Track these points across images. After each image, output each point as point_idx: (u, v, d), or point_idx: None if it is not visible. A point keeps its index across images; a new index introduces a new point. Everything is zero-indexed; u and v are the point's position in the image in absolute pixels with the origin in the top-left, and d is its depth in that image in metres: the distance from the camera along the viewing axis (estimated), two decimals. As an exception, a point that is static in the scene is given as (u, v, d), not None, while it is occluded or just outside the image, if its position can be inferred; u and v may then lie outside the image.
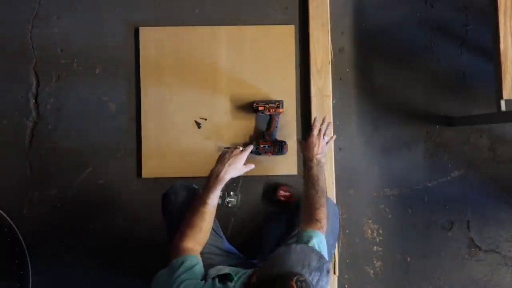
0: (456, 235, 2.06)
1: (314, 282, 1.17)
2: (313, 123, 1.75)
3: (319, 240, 1.48)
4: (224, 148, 1.81)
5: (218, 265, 1.46)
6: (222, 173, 1.53)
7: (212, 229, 1.57)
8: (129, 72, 2.06)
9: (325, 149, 1.72)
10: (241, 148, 1.63)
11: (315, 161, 1.67)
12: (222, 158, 1.58)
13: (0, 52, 2.06)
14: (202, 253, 1.48)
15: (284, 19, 2.08)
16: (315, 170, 1.65)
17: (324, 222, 1.56)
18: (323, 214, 1.57)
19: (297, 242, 1.50)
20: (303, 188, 1.66)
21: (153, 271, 1.98)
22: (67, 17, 2.08)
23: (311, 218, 1.55)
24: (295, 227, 1.70)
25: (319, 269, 1.20)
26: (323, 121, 1.75)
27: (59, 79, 2.06)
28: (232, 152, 1.60)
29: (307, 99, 2.03)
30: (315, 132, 1.71)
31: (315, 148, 1.68)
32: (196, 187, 1.69)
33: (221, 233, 1.68)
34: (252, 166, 1.63)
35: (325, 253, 1.46)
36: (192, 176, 2.02)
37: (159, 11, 2.08)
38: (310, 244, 1.43)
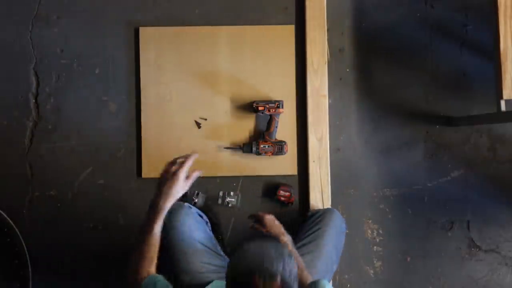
0: (456, 235, 2.06)
1: (280, 269, 1.13)
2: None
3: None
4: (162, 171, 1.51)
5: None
6: (160, 203, 1.43)
7: (208, 247, 1.56)
8: (129, 72, 2.06)
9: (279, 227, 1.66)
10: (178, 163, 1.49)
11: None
12: (159, 184, 1.46)
13: (0, 52, 2.07)
14: (199, 273, 1.48)
15: (284, 19, 2.08)
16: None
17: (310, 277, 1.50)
18: (310, 277, 1.49)
19: None
20: None
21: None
22: (67, 17, 2.08)
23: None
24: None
25: (280, 256, 1.17)
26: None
27: (59, 79, 2.06)
28: (168, 170, 1.46)
29: (304, 99, 2.03)
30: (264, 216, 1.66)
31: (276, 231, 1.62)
32: (191, 206, 1.67)
33: (219, 250, 1.63)
34: (199, 173, 1.51)
35: None
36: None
37: (159, 11, 2.08)
38: None
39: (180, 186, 1.46)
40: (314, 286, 1.37)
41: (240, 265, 1.17)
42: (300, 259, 1.53)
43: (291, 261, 1.18)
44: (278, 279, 1.12)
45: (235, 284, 1.16)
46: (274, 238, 1.56)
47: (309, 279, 1.47)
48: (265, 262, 1.14)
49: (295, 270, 1.18)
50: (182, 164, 1.48)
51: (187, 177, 1.48)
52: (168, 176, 1.46)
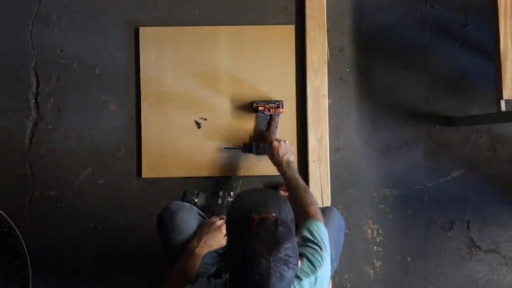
0: (456, 235, 2.06)
1: (276, 213, 1.18)
2: (267, 130, 1.87)
3: (315, 225, 1.45)
4: (206, 220, 1.66)
5: None
6: (197, 250, 1.53)
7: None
8: (129, 72, 2.06)
9: (290, 148, 1.80)
10: (224, 218, 1.59)
11: (284, 164, 1.73)
12: (200, 231, 1.57)
13: (0, 52, 2.07)
14: (200, 273, 1.51)
15: (284, 19, 2.07)
16: (288, 172, 1.71)
17: (319, 214, 1.54)
18: (314, 208, 1.56)
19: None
20: (288, 193, 1.69)
21: (152, 271, 1.99)
22: (67, 17, 2.07)
23: (307, 218, 1.52)
24: None
25: (276, 203, 1.22)
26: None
27: (59, 79, 2.06)
28: (211, 225, 1.58)
29: (304, 99, 2.03)
30: (273, 137, 1.79)
31: (280, 151, 1.76)
32: (192, 206, 1.69)
33: (219, 250, 1.64)
34: None
35: (325, 237, 1.43)
36: (192, 176, 2.03)
37: (159, 11, 2.08)
38: (311, 229, 1.42)
39: (220, 239, 1.55)
40: (305, 226, 1.43)
41: (238, 208, 1.22)
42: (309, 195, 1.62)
43: (286, 206, 1.23)
44: (274, 214, 1.16)
45: (234, 224, 1.20)
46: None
47: (311, 210, 1.53)
48: (261, 206, 1.19)
49: (291, 214, 1.22)
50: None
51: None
52: (211, 228, 1.56)
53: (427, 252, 2.05)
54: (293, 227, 1.20)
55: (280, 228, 1.14)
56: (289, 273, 1.13)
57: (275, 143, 1.80)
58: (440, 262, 2.05)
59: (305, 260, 1.35)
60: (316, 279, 1.33)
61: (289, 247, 1.13)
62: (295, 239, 1.17)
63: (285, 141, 1.83)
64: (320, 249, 1.38)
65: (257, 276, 1.10)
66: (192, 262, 1.51)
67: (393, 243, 2.06)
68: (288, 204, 1.25)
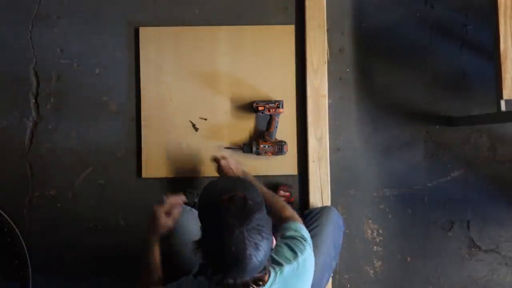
0: (456, 235, 2.06)
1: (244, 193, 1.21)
2: (213, 158, 1.85)
3: (296, 225, 1.47)
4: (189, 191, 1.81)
5: None
6: (147, 237, 1.59)
7: None
8: (129, 72, 2.06)
9: (236, 160, 1.82)
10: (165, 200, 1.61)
11: (241, 176, 1.75)
12: (149, 218, 1.61)
13: (0, 52, 2.07)
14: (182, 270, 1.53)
15: (284, 19, 2.08)
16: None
17: (295, 215, 1.55)
18: (289, 211, 1.58)
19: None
20: None
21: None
22: (67, 17, 2.08)
23: (281, 222, 1.53)
24: None
25: (244, 186, 1.25)
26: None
27: (59, 79, 2.06)
28: (153, 212, 1.59)
29: (304, 99, 2.03)
30: (220, 159, 1.80)
31: (233, 166, 1.78)
32: (192, 209, 1.74)
33: None
34: (179, 210, 1.62)
35: (307, 235, 1.45)
36: (192, 176, 2.03)
37: (159, 11, 2.08)
38: (289, 233, 1.44)
39: (162, 222, 1.58)
40: (287, 226, 1.46)
41: (207, 192, 1.26)
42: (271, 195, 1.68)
43: (254, 188, 1.26)
44: (243, 195, 1.19)
45: (205, 209, 1.24)
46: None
47: (287, 213, 1.55)
48: (229, 190, 1.21)
49: (260, 197, 1.25)
50: (162, 203, 1.61)
51: (169, 214, 1.59)
52: (153, 215, 1.60)
53: (427, 252, 2.05)
54: (263, 205, 1.23)
55: (250, 202, 1.18)
56: (264, 244, 1.16)
57: (223, 161, 1.79)
58: (440, 262, 2.05)
59: (286, 247, 1.38)
60: (298, 265, 1.35)
61: (260, 217, 1.17)
62: (265, 212, 1.21)
63: (227, 156, 1.84)
64: (304, 240, 1.41)
65: (233, 247, 1.13)
66: (150, 252, 1.56)
67: (393, 243, 2.06)
68: (256, 188, 1.28)
